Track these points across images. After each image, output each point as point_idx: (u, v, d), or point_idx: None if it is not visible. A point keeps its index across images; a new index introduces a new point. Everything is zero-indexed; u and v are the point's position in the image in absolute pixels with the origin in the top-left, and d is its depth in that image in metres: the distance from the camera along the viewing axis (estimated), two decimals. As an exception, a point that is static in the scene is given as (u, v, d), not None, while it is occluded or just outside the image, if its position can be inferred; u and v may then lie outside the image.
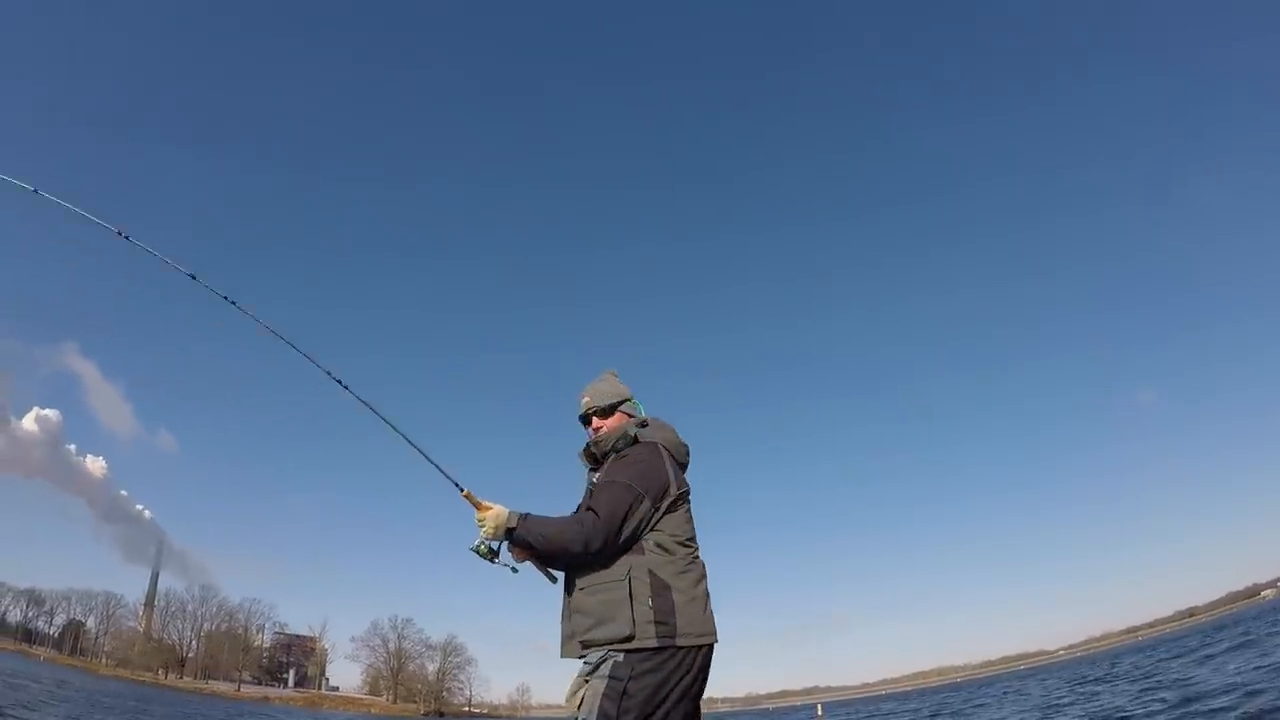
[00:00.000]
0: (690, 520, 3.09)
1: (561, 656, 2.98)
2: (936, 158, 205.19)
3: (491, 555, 3.02)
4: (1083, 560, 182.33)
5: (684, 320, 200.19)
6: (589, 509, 2.92)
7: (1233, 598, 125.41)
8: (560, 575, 3.12)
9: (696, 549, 3.07)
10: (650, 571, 2.87)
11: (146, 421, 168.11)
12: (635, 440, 3.15)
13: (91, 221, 3.40)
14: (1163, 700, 13.85)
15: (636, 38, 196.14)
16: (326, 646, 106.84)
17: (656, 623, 2.77)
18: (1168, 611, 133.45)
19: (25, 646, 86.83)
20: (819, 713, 48.40)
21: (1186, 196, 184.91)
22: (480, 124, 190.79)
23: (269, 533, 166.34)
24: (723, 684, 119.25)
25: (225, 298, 3.35)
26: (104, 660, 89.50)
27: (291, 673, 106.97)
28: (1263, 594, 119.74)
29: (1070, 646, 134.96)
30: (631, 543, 2.92)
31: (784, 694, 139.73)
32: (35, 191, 3.41)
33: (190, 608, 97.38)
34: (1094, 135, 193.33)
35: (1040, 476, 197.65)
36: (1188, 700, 12.85)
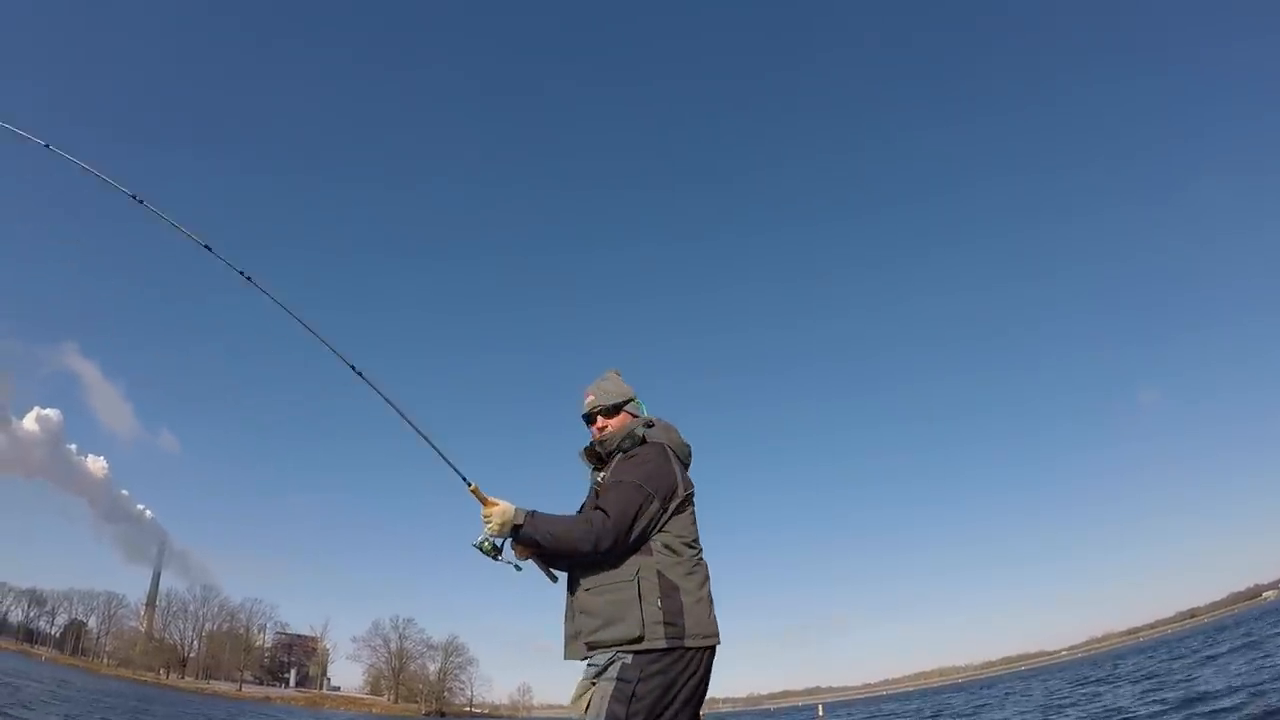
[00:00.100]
0: (694, 522, 3.08)
1: (566, 658, 2.95)
2: (937, 158, 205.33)
3: (495, 552, 2.98)
4: (1083, 561, 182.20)
5: (684, 320, 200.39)
6: (598, 508, 2.89)
7: (1234, 599, 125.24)
8: (561, 575, 3.10)
9: (701, 550, 3.07)
10: (659, 572, 2.86)
11: (148, 422, 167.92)
12: (643, 440, 3.13)
13: (105, 182, 3.28)
14: (1166, 701, 13.82)
15: (637, 38, 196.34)
16: (328, 646, 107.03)
17: (666, 624, 2.76)
18: (1169, 612, 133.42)
19: (27, 646, 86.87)
20: (820, 713, 48.35)
21: (1188, 197, 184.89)
22: (480, 124, 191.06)
23: (271, 533, 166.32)
24: (724, 684, 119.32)
25: (241, 273, 3.26)
26: (105, 660, 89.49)
27: (293, 673, 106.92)
28: (1264, 595, 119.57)
29: (1071, 647, 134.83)
30: (640, 543, 2.90)
31: (785, 694, 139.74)
32: (47, 146, 3.32)
33: (192, 608, 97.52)
34: (1095, 135, 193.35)
35: (1041, 477, 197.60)
36: (1191, 702, 12.82)
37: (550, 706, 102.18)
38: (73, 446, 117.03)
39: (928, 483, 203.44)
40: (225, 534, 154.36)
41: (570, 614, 2.98)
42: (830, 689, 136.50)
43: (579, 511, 3.13)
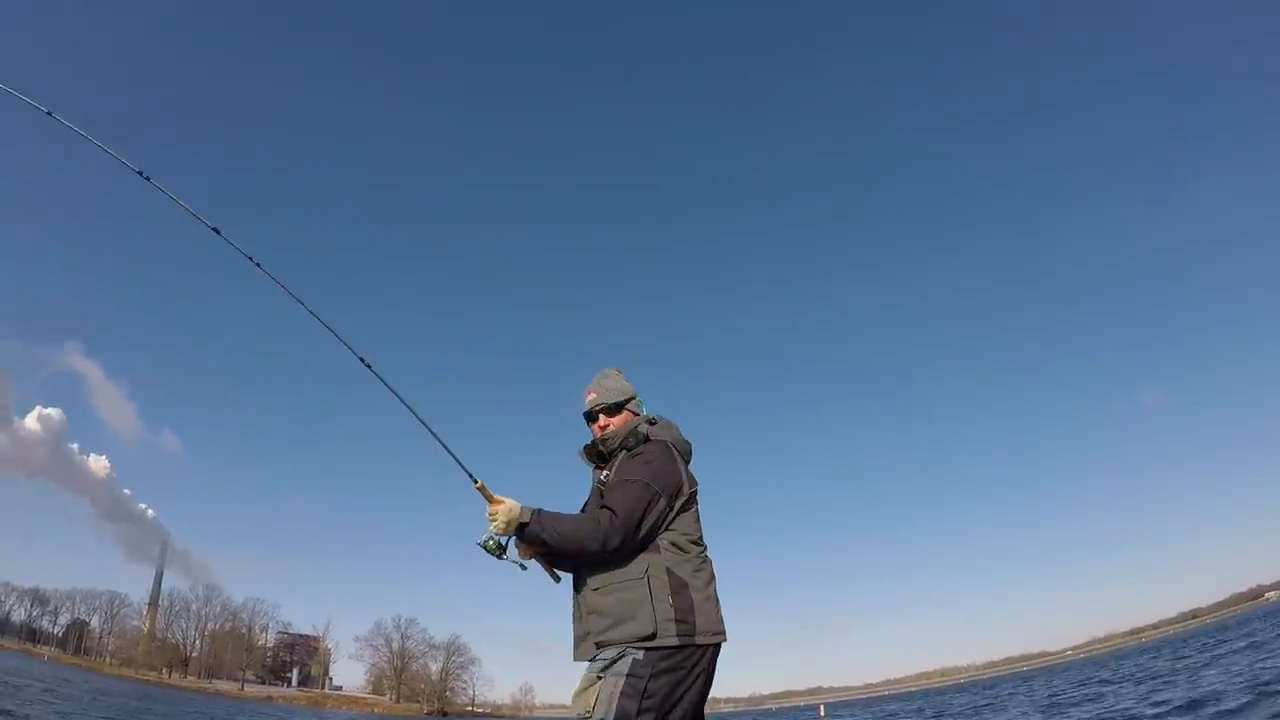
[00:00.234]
0: (699, 520, 3.08)
1: (576, 659, 2.93)
2: (937, 158, 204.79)
3: (499, 551, 2.96)
4: (1085, 562, 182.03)
5: (684, 321, 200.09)
6: (605, 507, 2.87)
7: (1236, 599, 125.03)
8: (565, 575, 3.09)
9: (706, 548, 3.06)
10: (668, 570, 2.86)
11: (150, 421, 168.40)
12: (646, 438, 3.12)
13: (109, 155, 3.21)
14: (1170, 702, 13.78)
15: (637, 38, 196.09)
16: (330, 646, 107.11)
17: (677, 620, 2.76)
18: (1171, 613, 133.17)
19: (30, 646, 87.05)
20: (822, 713, 48.34)
21: (1189, 197, 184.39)
22: (481, 124, 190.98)
23: (273, 532, 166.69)
24: (726, 684, 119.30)
25: (249, 258, 3.20)
26: (108, 660, 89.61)
27: (295, 672, 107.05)
28: (1266, 595, 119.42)
29: (1074, 648, 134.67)
30: (648, 541, 2.89)
31: (787, 694, 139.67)
32: (50, 114, 3.23)
33: (194, 607, 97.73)
34: (1095, 136, 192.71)
35: (1041, 478, 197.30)
36: (1195, 703, 12.78)
37: (552, 706, 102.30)
38: (74, 446, 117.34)
39: (928, 483, 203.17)
40: (227, 534, 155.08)
41: (579, 614, 2.97)
42: (832, 689, 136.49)
43: (582, 510, 3.12)
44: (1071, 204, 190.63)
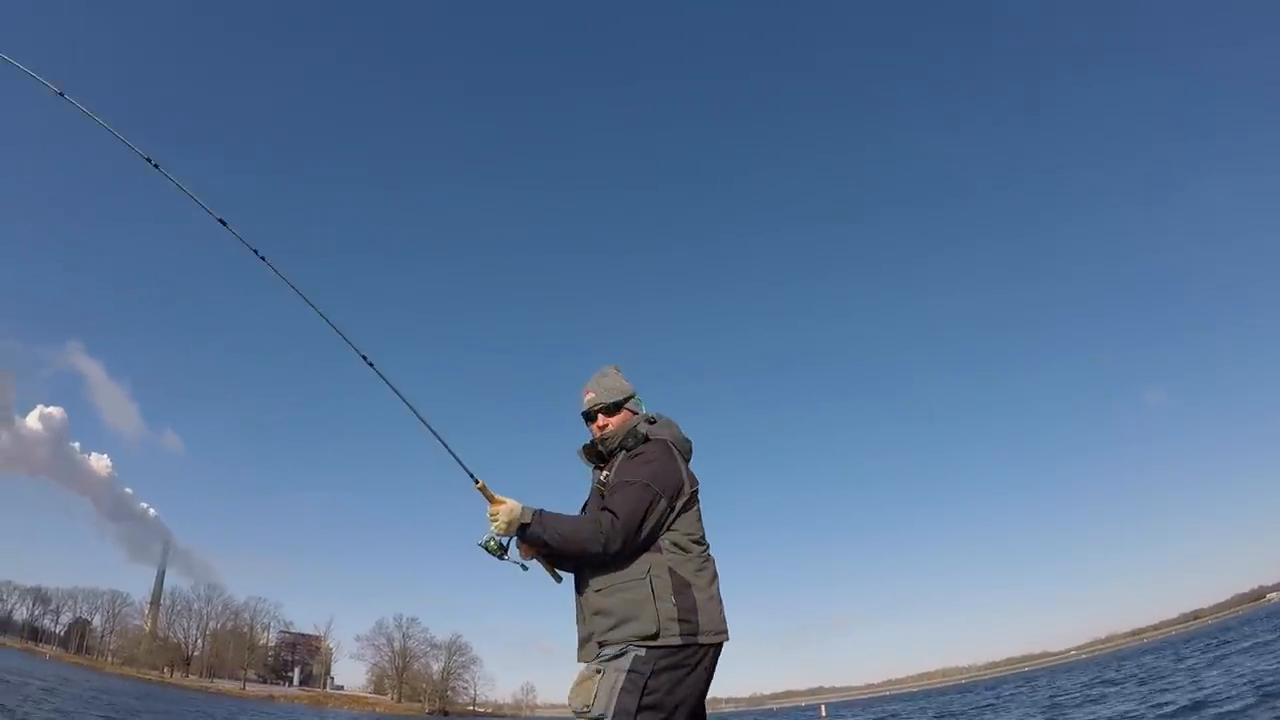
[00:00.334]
0: (700, 518, 3.06)
1: (580, 660, 2.91)
2: (938, 158, 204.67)
3: (500, 551, 2.94)
4: (1086, 562, 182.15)
5: (684, 321, 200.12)
6: (606, 509, 2.85)
7: (1238, 600, 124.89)
8: (566, 575, 3.07)
9: (708, 547, 3.05)
10: (670, 569, 2.84)
11: (152, 421, 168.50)
12: (646, 438, 3.09)
13: (119, 139, 3.18)
14: (1173, 703, 13.75)
15: (637, 38, 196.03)
16: (331, 645, 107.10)
17: (680, 620, 2.75)
18: (1173, 613, 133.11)
19: (31, 645, 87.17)
20: (823, 713, 48.35)
21: (1191, 197, 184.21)
22: (481, 124, 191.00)
23: (274, 531, 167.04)
24: (727, 684, 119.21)
25: (255, 251, 3.17)
26: (110, 659, 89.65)
27: (296, 671, 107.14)
28: (1268, 596, 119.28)
29: (1076, 648, 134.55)
30: (650, 542, 2.88)
31: (789, 694, 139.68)
32: (61, 95, 3.20)
33: (196, 606, 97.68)
34: (1097, 136, 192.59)
35: (1043, 478, 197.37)
36: (1199, 704, 12.74)
37: (554, 706, 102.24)
38: (76, 445, 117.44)
39: (928, 483, 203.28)
40: (229, 533, 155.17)
41: (582, 616, 2.95)
42: (833, 689, 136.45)
43: (582, 511, 3.11)
44: (1072, 204, 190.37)
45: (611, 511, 2.82)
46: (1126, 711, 14.35)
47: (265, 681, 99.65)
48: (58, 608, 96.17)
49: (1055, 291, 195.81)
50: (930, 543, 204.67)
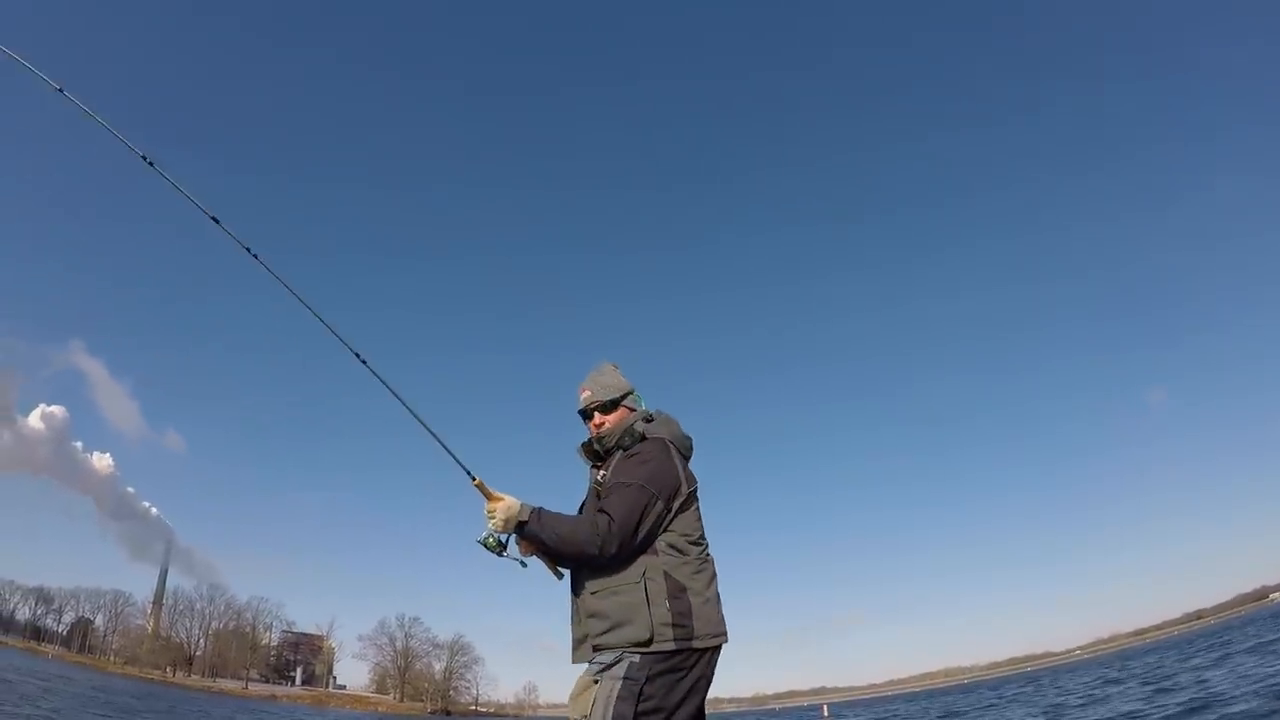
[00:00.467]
0: (700, 518, 3.02)
1: (574, 661, 2.89)
2: (940, 160, 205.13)
3: (499, 548, 2.92)
4: (1089, 563, 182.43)
5: (684, 321, 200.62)
6: (602, 511, 2.81)
7: (1241, 600, 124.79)
8: (566, 571, 3.03)
9: (707, 547, 3.01)
10: (666, 573, 2.81)
11: (153, 421, 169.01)
12: (643, 437, 3.05)
13: (115, 137, 3.19)
14: (1177, 704, 13.67)
15: (637, 39, 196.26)
16: (334, 645, 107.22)
17: (674, 625, 2.72)
18: (1175, 614, 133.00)
19: (34, 644, 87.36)
20: (825, 713, 48.29)
21: (1195, 199, 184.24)
22: (481, 124, 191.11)
23: (276, 531, 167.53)
24: (729, 684, 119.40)
25: (247, 249, 3.18)
26: (112, 658, 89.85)
27: (299, 671, 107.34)
28: (1271, 596, 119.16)
29: (1079, 648, 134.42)
30: (646, 545, 2.84)
31: (791, 694, 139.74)
32: (61, 91, 3.22)
33: (198, 606, 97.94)
34: (1098, 137, 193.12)
35: (1044, 480, 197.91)
36: (1203, 705, 12.67)
37: (556, 706, 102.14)
38: (78, 444, 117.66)
39: (929, 484, 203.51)
40: (230, 532, 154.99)
41: (577, 617, 2.93)
42: (836, 689, 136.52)
43: (579, 510, 3.07)
44: (1072, 204, 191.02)
45: (608, 514, 2.79)
46: (1133, 711, 14.26)
47: (268, 681, 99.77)
48: (60, 607, 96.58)
49: (1056, 292, 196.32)
50: (931, 544, 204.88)
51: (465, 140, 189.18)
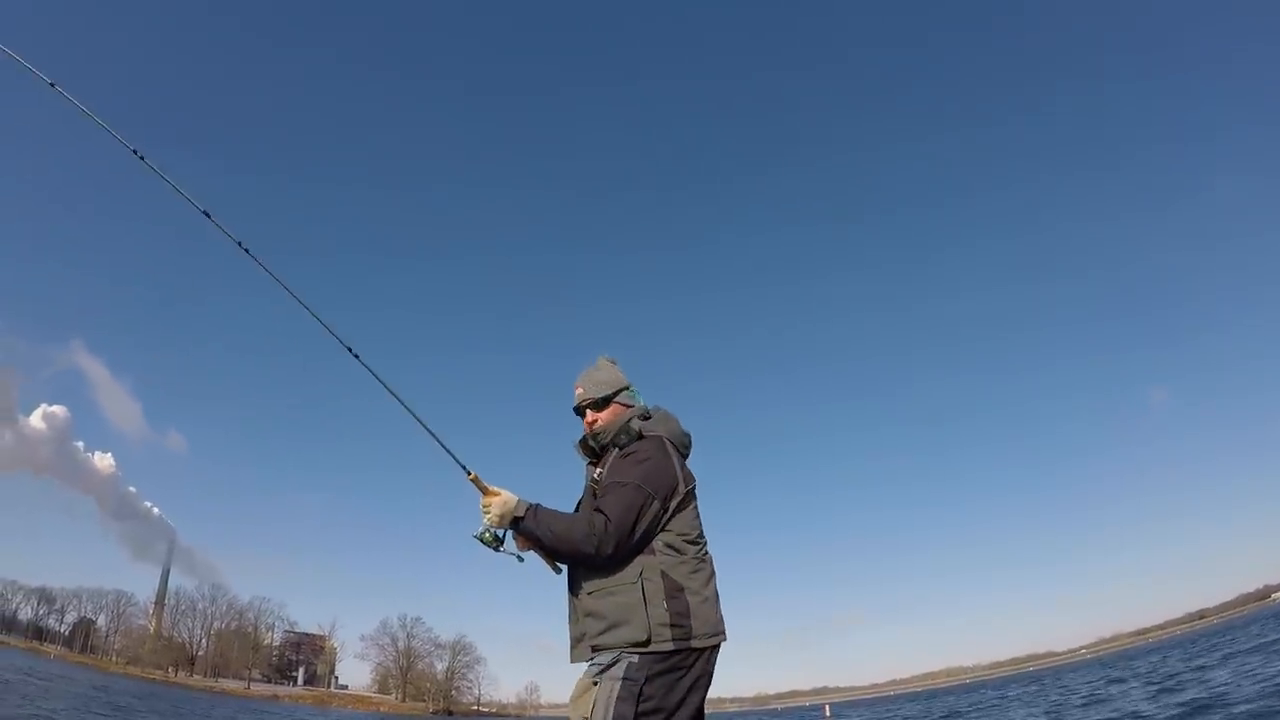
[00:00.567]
0: (698, 516, 2.98)
1: (572, 661, 2.87)
2: (942, 160, 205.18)
3: (496, 543, 2.90)
4: (1091, 563, 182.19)
5: (684, 321, 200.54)
6: (599, 510, 2.78)
7: (1243, 600, 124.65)
8: (564, 567, 2.99)
9: (705, 545, 2.97)
10: (663, 573, 2.77)
11: (155, 421, 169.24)
12: (640, 435, 3.00)
13: (107, 132, 3.18)
14: (1179, 704, 13.63)
15: (637, 39, 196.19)
16: (336, 645, 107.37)
17: (672, 625, 2.70)
18: (1178, 613, 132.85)
19: (36, 644, 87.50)
20: (827, 713, 48.27)
21: (1198, 199, 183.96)
22: (481, 124, 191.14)
23: (278, 531, 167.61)
24: (731, 684, 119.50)
25: (239, 244, 3.15)
26: (115, 658, 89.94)
27: (301, 671, 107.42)
28: (1273, 596, 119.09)
29: (1081, 648, 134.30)
30: (643, 544, 2.80)
31: (793, 694, 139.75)
32: (53, 86, 3.21)
33: (200, 606, 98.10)
34: (1098, 137, 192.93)
35: (1046, 480, 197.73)
36: (1207, 705, 12.63)
37: (558, 706, 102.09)
38: (80, 444, 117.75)
39: (929, 484, 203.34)
40: (232, 532, 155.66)
41: (574, 617, 2.89)
42: (838, 689, 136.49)
43: (576, 508, 3.03)
44: (1073, 204, 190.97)
45: (604, 514, 2.75)
46: (1138, 711, 14.22)
47: (270, 681, 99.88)
48: (62, 607, 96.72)
49: (1056, 292, 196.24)
50: (932, 544, 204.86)
51: (465, 140, 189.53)
